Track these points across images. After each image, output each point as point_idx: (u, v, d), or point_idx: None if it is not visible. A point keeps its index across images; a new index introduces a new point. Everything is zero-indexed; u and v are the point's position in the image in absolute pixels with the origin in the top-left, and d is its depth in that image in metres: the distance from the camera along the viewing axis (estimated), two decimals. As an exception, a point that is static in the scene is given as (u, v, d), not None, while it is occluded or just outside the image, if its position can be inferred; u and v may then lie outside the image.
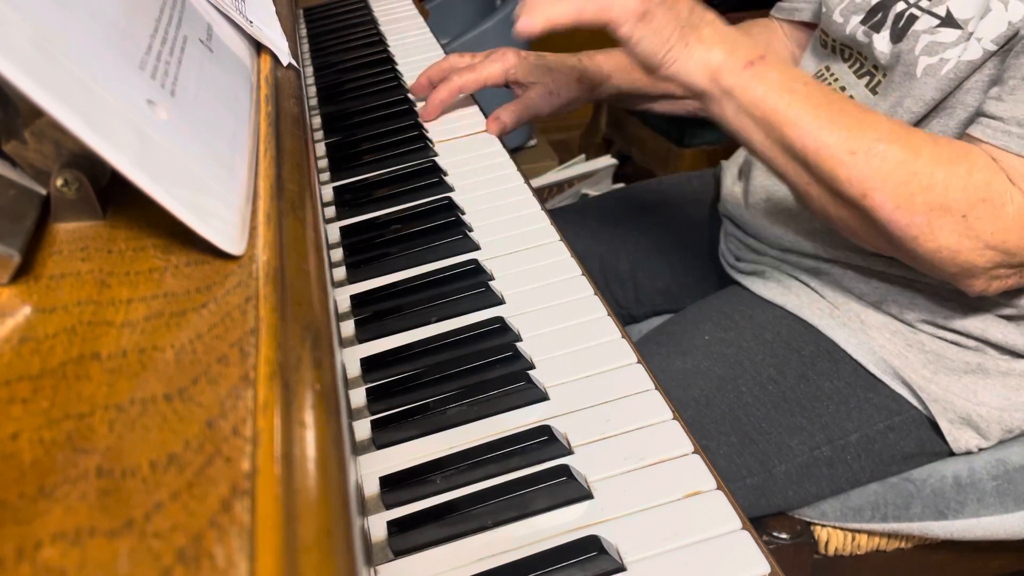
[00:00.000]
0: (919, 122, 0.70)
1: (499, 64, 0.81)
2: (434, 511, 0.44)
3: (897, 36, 0.69)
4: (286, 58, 0.70)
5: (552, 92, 0.82)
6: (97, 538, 0.28)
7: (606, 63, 0.85)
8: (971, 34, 0.64)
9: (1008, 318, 0.71)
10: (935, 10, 0.67)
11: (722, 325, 0.78)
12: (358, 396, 0.52)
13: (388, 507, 0.46)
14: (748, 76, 0.61)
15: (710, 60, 0.62)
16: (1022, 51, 0.60)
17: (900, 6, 0.70)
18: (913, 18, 0.68)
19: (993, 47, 0.63)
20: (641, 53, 0.63)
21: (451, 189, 0.72)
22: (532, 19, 0.61)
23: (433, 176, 0.73)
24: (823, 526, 0.78)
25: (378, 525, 0.44)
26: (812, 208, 0.66)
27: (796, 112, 0.61)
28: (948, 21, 0.66)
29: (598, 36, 0.67)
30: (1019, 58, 0.60)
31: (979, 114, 0.62)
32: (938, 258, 0.61)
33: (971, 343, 0.72)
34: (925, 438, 0.75)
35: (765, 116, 0.62)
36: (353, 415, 0.51)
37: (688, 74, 0.62)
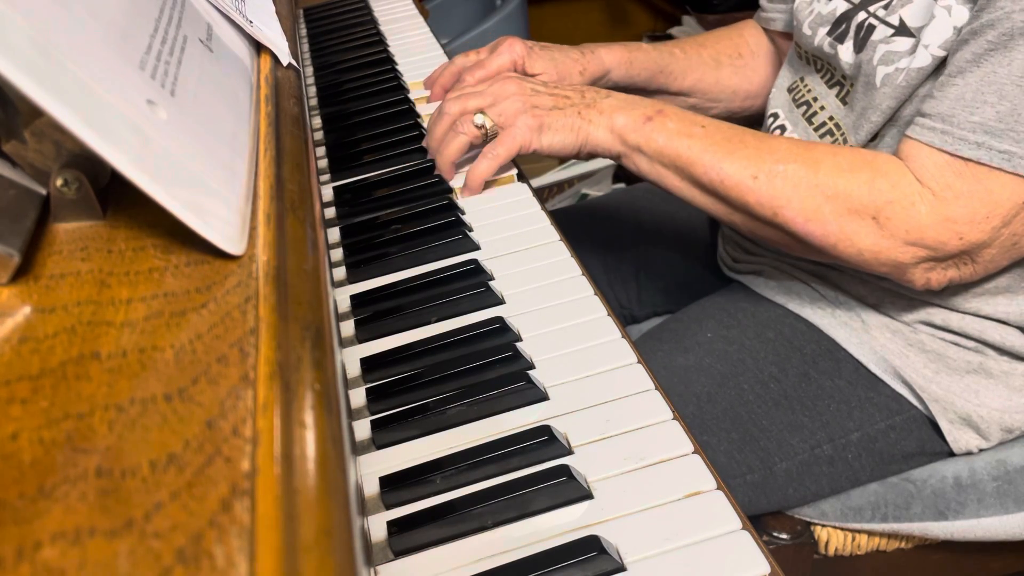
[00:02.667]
0: (878, 132, 0.70)
1: (507, 55, 0.82)
2: (434, 511, 0.44)
3: (859, 46, 0.70)
4: (286, 58, 0.70)
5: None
6: (97, 538, 0.28)
7: (607, 57, 0.85)
8: (919, 41, 0.65)
9: (1004, 322, 0.71)
10: (889, 19, 0.68)
11: (724, 323, 0.79)
12: (358, 396, 0.52)
13: (388, 507, 0.46)
14: (649, 129, 0.68)
15: (614, 124, 0.69)
16: (956, 48, 0.61)
17: (861, 16, 0.71)
18: (871, 28, 0.69)
19: (942, 53, 0.63)
20: (558, 152, 0.70)
21: (451, 189, 0.72)
22: (472, 190, 0.71)
23: (433, 176, 0.73)
24: (823, 526, 0.78)
25: (378, 525, 0.44)
26: (747, 234, 0.70)
27: (697, 152, 0.66)
28: (902, 30, 0.67)
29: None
30: (952, 55, 0.61)
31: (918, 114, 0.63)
32: (863, 260, 0.64)
33: (970, 344, 0.72)
34: (925, 438, 0.75)
35: (672, 161, 0.67)
36: (353, 415, 0.51)
37: (599, 143, 0.69)
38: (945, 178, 0.60)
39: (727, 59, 0.93)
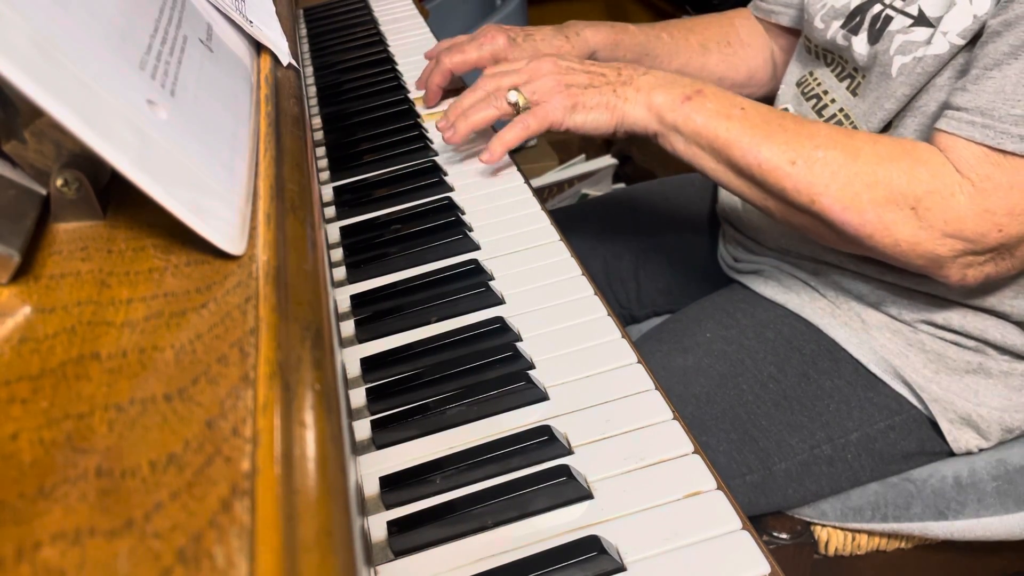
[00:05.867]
0: (893, 119, 0.70)
1: (488, 47, 0.83)
2: (434, 511, 0.44)
3: (874, 38, 0.70)
4: (286, 58, 0.70)
5: None
6: (97, 538, 0.28)
7: (592, 38, 0.86)
8: (937, 29, 0.65)
9: (1006, 319, 0.71)
10: (908, 10, 0.68)
11: (723, 323, 0.78)
12: (358, 396, 0.52)
13: (388, 507, 0.46)
14: (688, 109, 0.67)
15: (651, 102, 0.68)
16: (985, 40, 0.60)
17: (876, 8, 0.71)
18: (888, 19, 0.69)
19: (960, 41, 0.63)
20: (592, 131, 0.70)
21: (451, 189, 0.72)
22: (493, 154, 0.71)
23: (433, 176, 0.73)
24: (823, 526, 0.78)
25: (378, 525, 0.44)
26: (780, 221, 0.69)
27: (736, 134, 0.65)
28: (921, 20, 0.67)
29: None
30: (983, 48, 0.60)
31: (945, 107, 0.62)
32: (900, 252, 0.62)
33: (971, 343, 0.72)
34: (925, 438, 0.75)
35: (709, 142, 0.67)
36: (353, 415, 0.51)
37: (636, 121, 0.69)
38: (984, 169, 0.59)
39: (715, 46, 0.93)
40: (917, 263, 0.63)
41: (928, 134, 0.68)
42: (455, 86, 0.88)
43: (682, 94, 0.67)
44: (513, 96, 0.70)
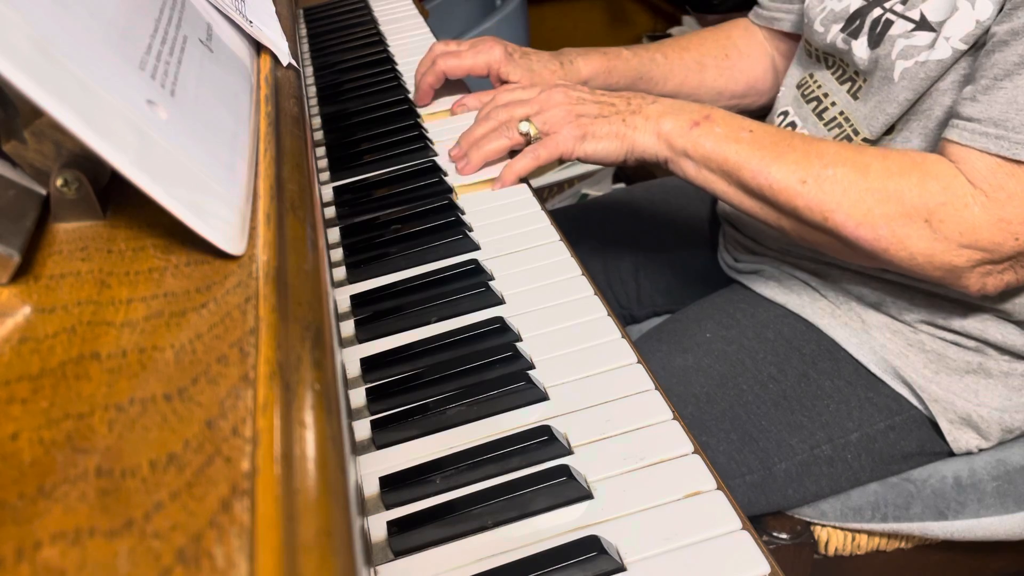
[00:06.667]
0: (895, 124, 0.70)
1: (484, 57, 0.83)
2: (434, 511, 0.44)
3: (874, 42, 0.70)
4: (286, 58, 0.70)
5: None
6: (97, 538, 0.28)
7: (585, 68, 0.86)
8: (940, 34, 0.65)
9: (1007, 318, 0.71)
10: (909, 14, 0.68)
11: (723, 323, 0.79)
12: (358, 396, 0.52)
13: (388, 507, 0.46)
14: (696, 134, 0.68)
15: (660, 129, 0.69)
16: (992, 49, 0.60)
17: (876, 12, 0.71)
18: (889, 23, 0.69)
19: (963, 46, 0.63)
20: (603, 160, 0.71)
21: (451, 189, 0.72)
22: (504, 182, 0.72)
23: (433, 176, 0.73)
24: (823, 526, 0.78)
25: (378, 525, 0.44)
26: (795, 239, 0.70)
27: (745, 156, 0.66)
28: (922, 25, 0.66)
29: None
30: (990, 56, 0.60)
31: (953, 116, 0.62)
32: (916, 264, 0.63)
33: (971, 343, 0.72)
34: (925, 438, 0.75)
35: (719, 166, 0.67)
36: (353, 415, 0.51)
37: (646, 149, 0.70)
38: (997, 179, 0.59)
39: (712, 60, 0.93)
40: (935, 275, 0.63)
41: (933, 138, 0.68)
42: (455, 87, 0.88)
43: (690, 120, 0.68)
44: (524, 126, 0.72)
